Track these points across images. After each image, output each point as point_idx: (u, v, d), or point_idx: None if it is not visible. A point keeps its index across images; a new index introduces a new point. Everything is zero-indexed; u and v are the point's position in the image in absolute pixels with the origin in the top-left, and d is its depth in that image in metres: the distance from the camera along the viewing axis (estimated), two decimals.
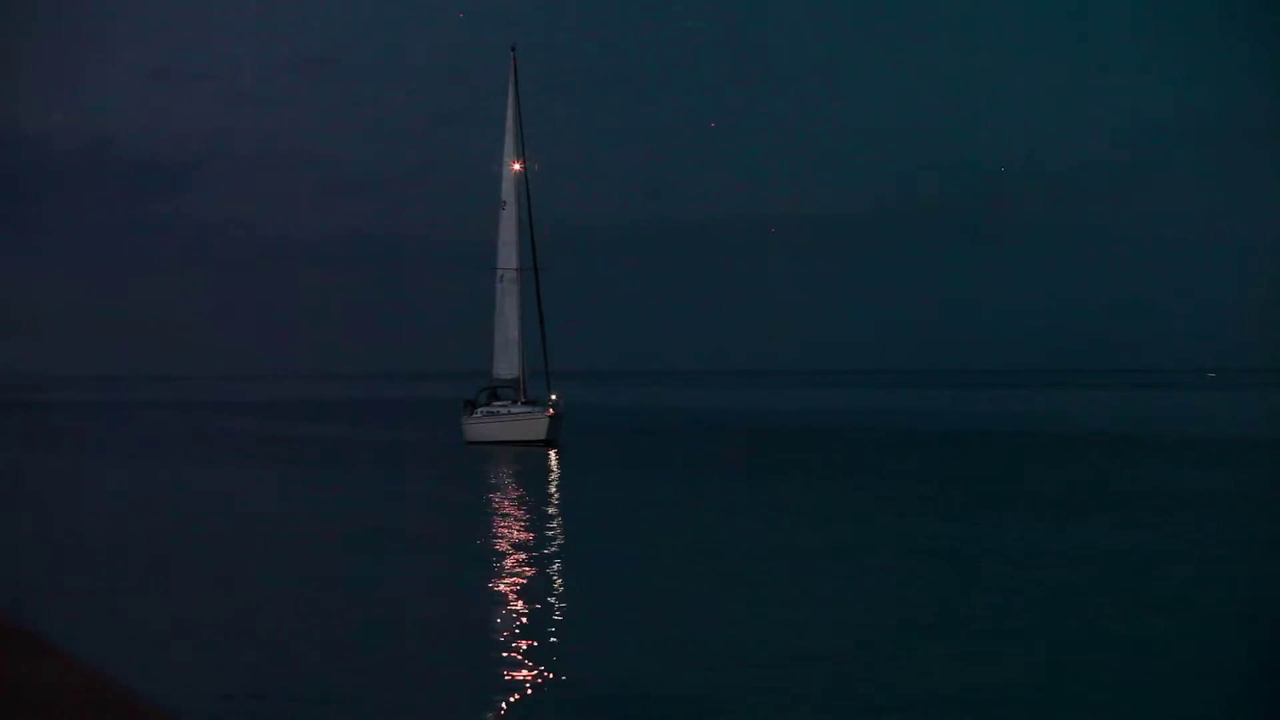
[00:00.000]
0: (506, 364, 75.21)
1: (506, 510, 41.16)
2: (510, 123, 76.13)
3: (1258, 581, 28.74)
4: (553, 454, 65.37)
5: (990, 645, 20.79)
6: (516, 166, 75.62)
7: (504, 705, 17.91)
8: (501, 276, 76.01)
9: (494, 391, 74.60)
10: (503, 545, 33.14)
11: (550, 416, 70.80)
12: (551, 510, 41.19)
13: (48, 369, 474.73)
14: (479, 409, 73.89)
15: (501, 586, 26.95)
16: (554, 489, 48.86)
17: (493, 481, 51.44)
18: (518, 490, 47.74)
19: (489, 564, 29.98)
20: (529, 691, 18.41)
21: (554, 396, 71.83)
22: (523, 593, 26.12)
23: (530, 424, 71.27)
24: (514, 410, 72.94)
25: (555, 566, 29.40)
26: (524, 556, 30.96)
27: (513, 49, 77.31)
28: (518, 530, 36.05)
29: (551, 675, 19.18)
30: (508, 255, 75.98)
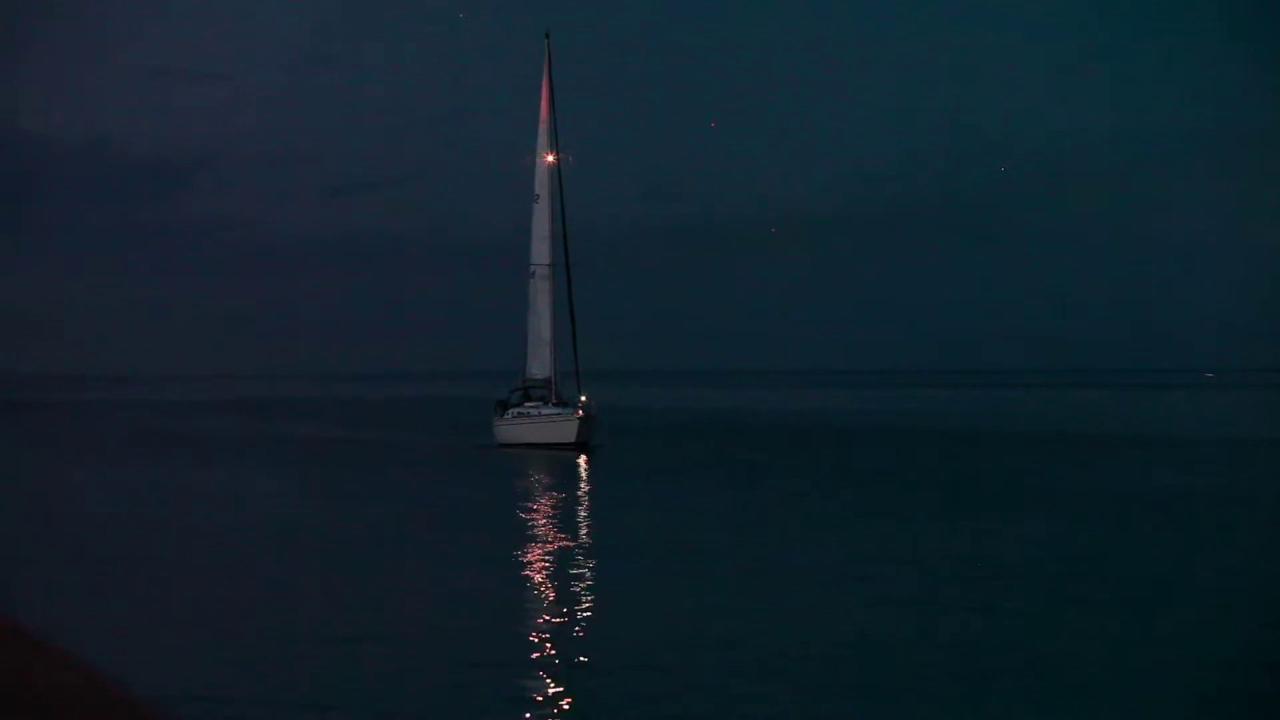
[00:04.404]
0: (539, 364, 73.56)
1: (528, 517, 40.52)
2: (544, 113, 74.14)
3: (1256, 581, 28.69)
4: (582, 458, 64.41)
5: (992, 647, 20.58)
6: (550, 158, 73.75)
7: (512, 708, 17.82)
8: (534, 273, 74.03)
9: (526, 392, 73.27)
10: (520, 552, 32.69)
11: (580, 419, 69.42)
12: (574, 520, 40.46)
13: (48, 369, 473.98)
14: (510, 410, 72.57)
15: (517, 593, 26.73)
16: (578, 496, 47.91)
17: (516, 487, 50.51)
18: (538, 498, 46.90)
19: (506, 571, 29.59)
20: (542, 696, 18.30)
21: (584, 399, 70.53)
22: (536, 602, 25.97)
23: (560, 426, 69.88)
24: (544, 412, 71.50)
25: (571, 577, 29.00)
26: (541, 565, 30.67)
27: (547, 36, 74.96)
28: (537, 538, 35.67)
29: (568, 685, 19.06)
30: (541, 251, 73.87)
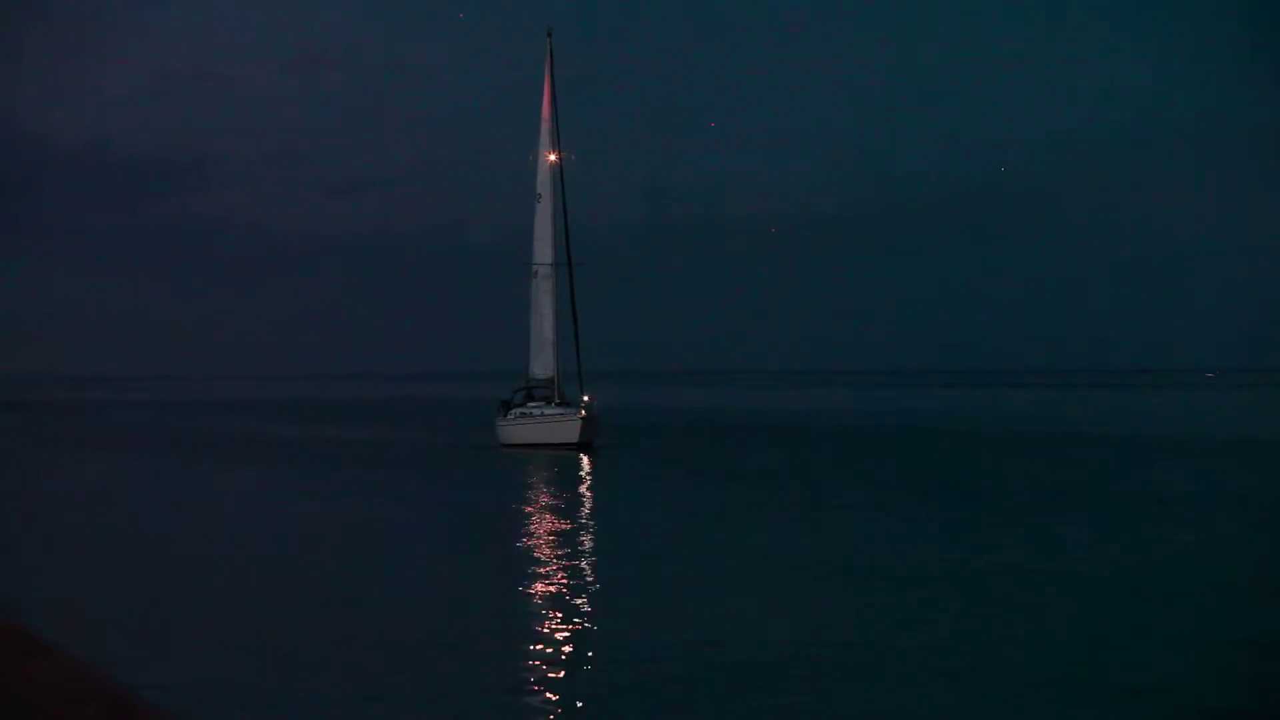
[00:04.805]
0: (542, 364, 73.47)
1: (530, 517, 40.36)
2: (546, 111, 73.91)
3: (1257, 581, 28.69)
4: (585, 459, 64.27)
5: (993, 647, 20.51)
6: (552, 158, 73.59)
7: (513, 709, 17.80)
8: (536, 272, 73.86)
9: (530, 392, 73.25)
10: (522, 552, 32.58)
11: (583, 419, 69.36)
12: (577, 520, 40.28)
13: (48, 369, 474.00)
14: (513, 410, 72.52)
15: (518, 594, 26.64)
16: (580, 497, 47.73)
17: (518, 487, 50.35)
18: (541, 498, 46.74)
19: (507, 571, 29.45)
20: (543, 696, 18.28)
21: (586, 398, 70.42)
22: (537, 602, 25.87)
23: (563, 426, 69.80)
24: (547, 412, 71.41)
25: (573, 577, 28.90)
26: (543, 565, 30.53)
27: (549, 34, 74.72)
28: (538, 538, 35.55)
29: (569, 685, 19.05)
30: (543, 250, 73.72)
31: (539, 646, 21.81)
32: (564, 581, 28.38)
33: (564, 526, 38.32)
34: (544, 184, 73.57)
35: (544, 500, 46.00)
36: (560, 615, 24.51)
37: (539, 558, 32.05)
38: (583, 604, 25.72)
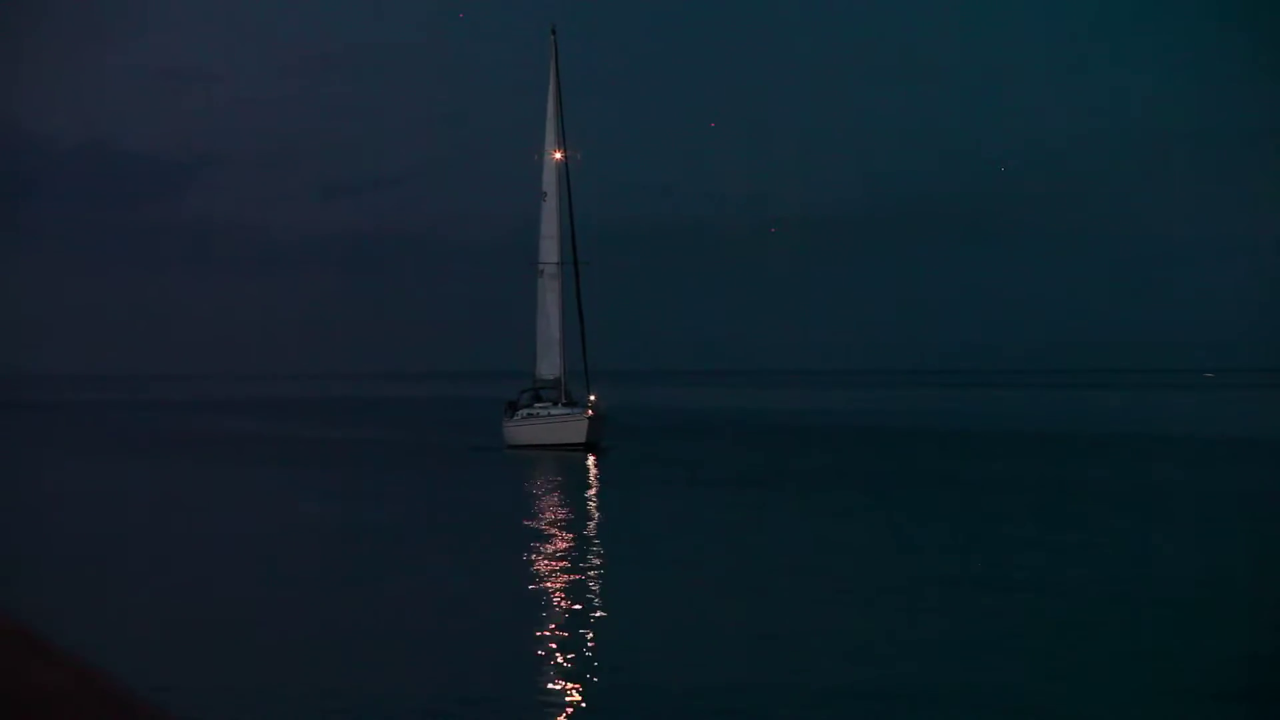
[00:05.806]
0: (548, 364, 72.83)
1: (535, 518, 40.28)
2: (551, 109, 73.33)
3: (1255, 582, 28.67)
4: (591, 459, 64.10)
5: (996, 649, 20.47)
6: (558, 155, 72.92)
7: (514, 710, 17.81)
8: (542, 272, 73.22)
9: (536, 393, 72.70)
10: (527, 553, 32.46)
11: (589, 419, 68.82)
12: (582, 521, 40.23)
13: (48, 369, 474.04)
14: (520, 411, 72.04)
15: (522, 595, 26.59)
16: (586, 497, 47.68)
17: (523, 488, 50.27)
18: (546, 499, 46.69)
19: (511, 573, 29.42)
20: (544, 698, 18.24)
21: (593, 398, 70.07)
22: (540, 603, 25.83)
23: (569, 427, 69.23)
24: (553, 412, 70.87)
25: (577, 579, 28.83)
26: (547, 566, 30.50)
27: (553, 31, 74.00)
28: (543, 539, 35.48)
29: (570, 687, 18.99)
30: (549, 249, 72.96)
31: (543, 647, 21.77)
32: (569, 582, 28.34)
33: (569, 528, 38.27)
34: (549, 182, 72.96)
35: (550, 501, 45.96)
36: (565, 616, 24.48)
37: (544, 559, 32.01)
38: (587, 605, 25.68)
